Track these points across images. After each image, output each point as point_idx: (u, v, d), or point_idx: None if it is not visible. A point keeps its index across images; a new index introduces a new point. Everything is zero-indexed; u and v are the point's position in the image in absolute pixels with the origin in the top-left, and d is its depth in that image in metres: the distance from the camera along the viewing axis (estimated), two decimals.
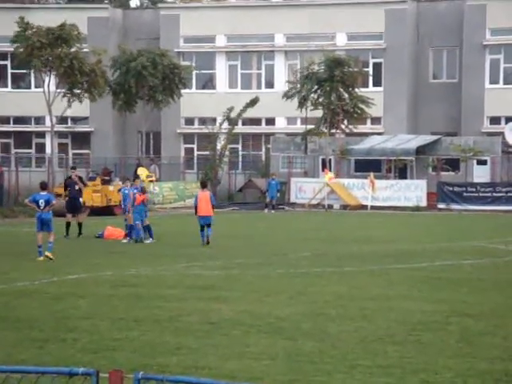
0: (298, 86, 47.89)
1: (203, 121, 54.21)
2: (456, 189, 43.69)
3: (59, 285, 16.85)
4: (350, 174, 47.25)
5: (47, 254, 21.67)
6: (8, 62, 55.47)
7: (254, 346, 11.27)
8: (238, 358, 10.66)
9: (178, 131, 55.46)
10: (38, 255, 21.46)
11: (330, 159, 47.48)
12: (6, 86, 56.50)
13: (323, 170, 46.40)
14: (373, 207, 43.95)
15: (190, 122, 55.95)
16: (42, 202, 21.76)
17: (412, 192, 44.32)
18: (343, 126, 47.85)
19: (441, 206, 43.54)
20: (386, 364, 10.37)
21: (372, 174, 44.61)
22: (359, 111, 47.36)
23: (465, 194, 43.41)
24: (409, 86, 53.25)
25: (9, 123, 56.68)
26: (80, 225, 27.51)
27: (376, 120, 52.26)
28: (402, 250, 23.76)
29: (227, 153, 50.37)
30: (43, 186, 22.73)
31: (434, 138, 47.91)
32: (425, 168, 46.13)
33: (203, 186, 26.26)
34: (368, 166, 45.79)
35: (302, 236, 28.80)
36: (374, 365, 10.32)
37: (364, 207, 44.22)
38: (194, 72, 52.82)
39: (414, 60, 53.53)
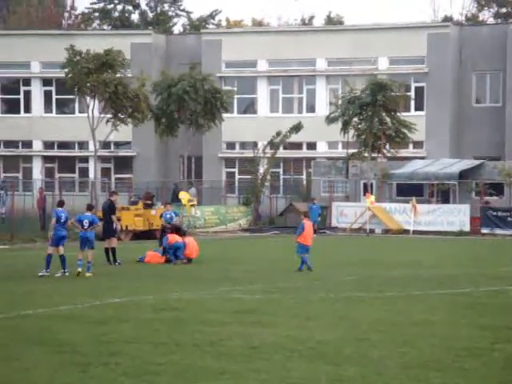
0: (339, 110, 47.87)
1: (245, 145, 54.42)
2: (500, 213, 43.22)
3: (102, 309, 16.93)
4: (392, 199, 47.01)
5: (86, 274, 22.84)
6: (53, 88, 56.21)
7: (296, 370, 11.21)
8: (280, 382, 10.61)
9: (220, 155, 55.68)
10: (77, 267, 22.87)
11: (371, 183, 47.31)
12: (51, 112, 57.24)
13: (365, 194, 46.23)
14: (415, 232, 43.64)
15: (231, 146, 56.16)
16: (86, 222, 23.53)
17: (455, 217, 43.93)
18: (385, 151, 47.68)
19: (484, 230, 43.08)
20: None
21: (414, 198, 44.32)
22: (401, 135, 47.18)
23: (509, 219, 42.91)
24: (451, 110, 52.97)
25: (53, 148, 57.36)
26: (113, 250, 26.93)
27: (418, 144, 52.02)
28: (445, 275, 23.52)
29: (269, 177, 50.45)
30: (89, 208, 24.57)
31: (477, 162, 47.51)
32: (468, 192, 45.73)
33: (306, 215, 26.31)
34: (410, 191, 45.52)
35: (343, 260, 28.65)
36: None
37: (406, 232, 43.92)
38: (236, 96, 53.08)
39: (456, 84, 53.27)
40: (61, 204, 24.01)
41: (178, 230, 28.15)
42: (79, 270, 22.91)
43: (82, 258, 23.19)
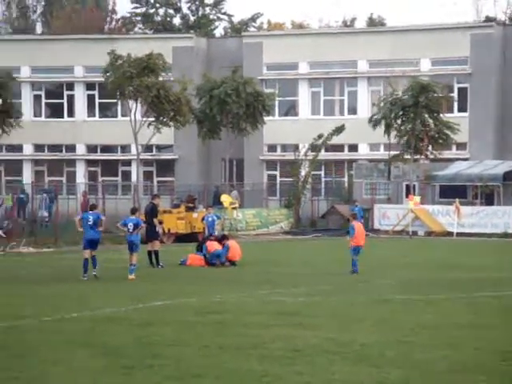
0: (381, 112, 47.62)
1: (286, 147, 54.46)
2: None
3: (145, 311, 17.02)
4: (435, 201, 46.65)
5: (130, 276, 23.10)
6: (96, 92, 56.70)
7: (339, 373, 11.17)
8: None
9: (261, 158, 55.72)
10: (128, 273, 23.15)
11: (414, 185, 47.02)
12: (94, 116, 57.75)
13: (407, 197, 45.95)
14: (458, 234, 43.27)
15: (272, 148, 56.16)
16: (130, 225, 23.81)
17: (499, 218, 43.46)
18: (428, 152, 47.36)
19: None
20: None
21: (457, 200, 43.96)
22: (444, 137, 46.82)
23: None
24: (495, 111, 52.45)
25: (96, 152, 57.84)
26: (156, 253, 26.95)
27: (461, 146, 51.57)
28: (490, 278, 23.29)
29: (310, 179, 50.38)
30: (133, 211, 24.84)
31: None
32: None
33: (354, 217, 26.25)
34: (453, 193, 45.13)
35: (386, 263, 28.51)
36: None
37: (449, 234, 43.57)
38: (277, 99, 53.09)
39: (500, 84, 52.73)
40: (92, 207, 24.43)
41: (218, 240, 28.17)
42: (129, 277, 23.14)
43: (132, 261, 23.55)
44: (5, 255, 33.50)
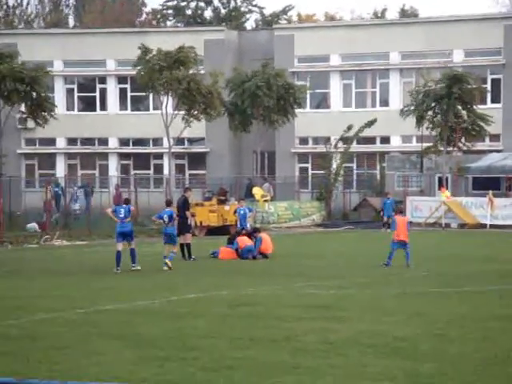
0: (413, 104, 47.35)
1: (317, 140, 54.37)
2: None
3: (178, 304, 17.10)
4: (468, 193, 46.34)
5: (167, 261, 23.58)
6: (128, 85, 56.93)
7: (372, 366, 11.15)
8: (356, 378, 10.57)
9: (293, 151, 55.66)
10: (167, 260, 23.71)
11: (446, 177, 46.73)
12: (126, 109, 57.99)
13: (439, 189, 45.68)
14: (492, 226, 42.94)
15: (304, 141, 56.09)
16: (166, 217, 24.24)
17: None
18: (461, 144, 47.04)
19: None
20: None
21: (491, 192, 43.62)
22: (477, 128, 46.47)
23: None
24: None
25: (128, 145, 58.10)
26: (188, 246, 27.04)
27: (495, 137, 51.15)
28: None
29: (342, 172, 50.24)
30: (168, 203, 25.39)
31: None
32: None
33: (399, 210, 26.34)
34: (486, 184, 44.79)
35: (419, 255, 28.37)
36: None
37: (482, 226, 43.26)
38: (308, 91, 52.98)
39: None
40: (125, 201, 24.80)
41: (249, 234, 28.20)
42: (168, 262, 23.61)
43: (166, 253, 24.00)
44: (39, 248, 33.81)
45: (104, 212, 26.99)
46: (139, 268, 23.61)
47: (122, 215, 23.54)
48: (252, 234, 28.04)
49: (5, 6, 78.73)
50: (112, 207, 25.41)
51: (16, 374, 10.02)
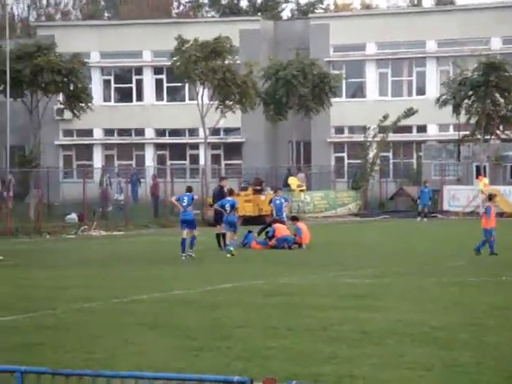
0: (450, 92, 46.96)
1: (353, 129, 54.15)
2: None
3: (214, 293, 17.13)
4: (506, 181, 45.90)
5: (232, 249, 24.40)
6: (164, 76, 57.09)
7: (409, 355, 11.07)
8: (393, 367, 10.50)
9: (328, 140, 55.50)
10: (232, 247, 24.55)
11: (484, 166, 46.30)
12: (162, 100, 58.17)
13: (477, 177, 45.30)
14: None
15: (339, 130, 55.90)
16: (228, 206, 24.84)
17: None
18: (499, 132, 46.56)
19: None
20: None
21: None
22: None
23: None
24: None
25: (164, 135, 58.31)
26: (224, 236, 26.70)
27: None
28: None
29: (378, 161, 50.01)
30: (230, 192, 26.18)
31: None
32: None
33: (491, 197, 25.52)
34: None
35: (455, 244, 28.17)
36: None
37: None
38: (344, 81, 52.75)
39: None
40: (188, 189, 24.89)
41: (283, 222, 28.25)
42: (232, 250, 24.23)
43: (228, 241, 24.83)
44: (76, 238, 34.07)
45: (168, 201, 27.52)
46: (193, 256, 23.78)
47: (186, 203, 23.93)
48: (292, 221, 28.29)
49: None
50: (176, 196, 25.94)
51: (52, 363, 10.09)
